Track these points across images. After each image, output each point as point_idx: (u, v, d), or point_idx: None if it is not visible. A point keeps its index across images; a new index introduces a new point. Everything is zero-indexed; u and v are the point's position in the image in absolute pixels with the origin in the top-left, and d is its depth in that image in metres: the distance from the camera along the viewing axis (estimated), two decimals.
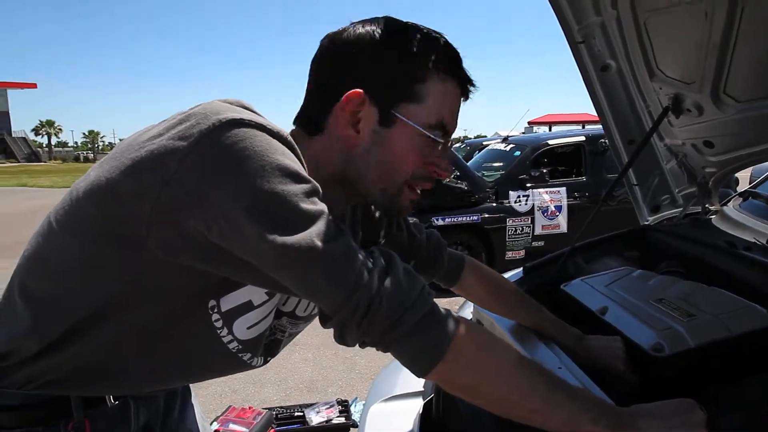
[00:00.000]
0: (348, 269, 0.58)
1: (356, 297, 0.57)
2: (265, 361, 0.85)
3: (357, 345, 0.61)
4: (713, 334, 0.93)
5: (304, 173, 0.60)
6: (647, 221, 1.71)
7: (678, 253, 1.38)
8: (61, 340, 0.67)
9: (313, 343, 3.86)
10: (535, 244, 5.03)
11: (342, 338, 0.61)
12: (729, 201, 1.68)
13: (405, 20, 0.73)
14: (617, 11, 1.25)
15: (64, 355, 0.68)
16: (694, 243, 1.38)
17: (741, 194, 1.68)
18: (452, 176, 4.99)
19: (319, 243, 0.56)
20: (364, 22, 0.72)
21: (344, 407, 2.84)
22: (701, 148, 1.45)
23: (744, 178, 2.75)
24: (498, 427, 0.88)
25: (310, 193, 0.59)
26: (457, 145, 11.95)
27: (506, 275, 1.45)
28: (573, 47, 1.38)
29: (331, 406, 2.85)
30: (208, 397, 3.02)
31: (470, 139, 18.94)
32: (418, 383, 1.44)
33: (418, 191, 0.75)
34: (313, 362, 3.59)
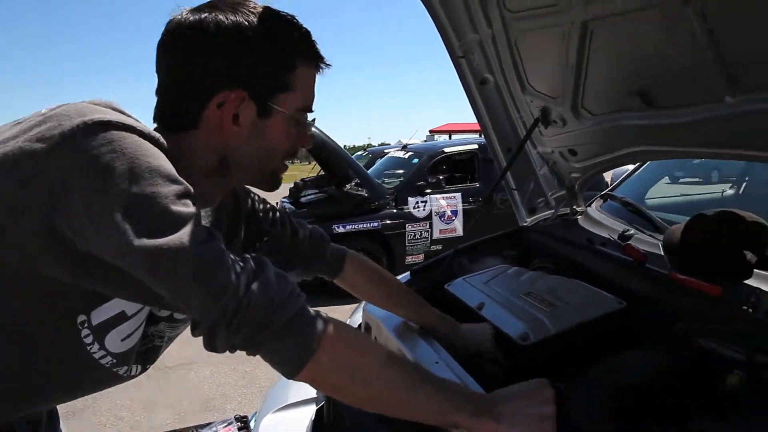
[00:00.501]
0: (218, 272, 0.57)
1: (225, 299, 0.56)
2: (144, 369, 0.82)
3: (227, 350, 0.60)
4: (570, 320, 1.03)
5: (176, 175, 0.59)
6: (525, 222, 1.86)
7: (548, 250, 1.52)
8: None
9: (211, 360, 3.67)
10: (433, 248, 5.23)
11: (211, 343, 0.59)
12: (592, 203, 1.88)
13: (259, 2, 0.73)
14: (492, 30, 1.36)
15: None
16: (561, 241, 1.52)
17: (601, 196, 1.88)
18: (353, 184, 5.05)
19: (188, 245, 0.55)
20: (214, 8, 0.69)
21: (244, 423, 2.73)
22: (567, 156, 1.61)
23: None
24: (380, 428, 0.91)
25: (182, 195, 0.58)
26: (359, 153, 12.13)
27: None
28: (455, 61, 1.47)
29: (229, 424, 2.72)
30: (91, 429, 2.76)
31: (373, 147, 19.25)
32: (311, 390, 1.44)
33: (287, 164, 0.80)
34: (211, 380, 3.42)
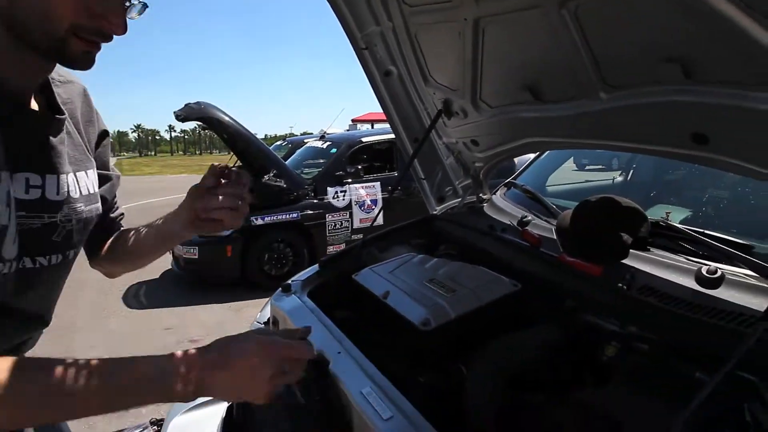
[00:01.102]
0: None
1: None
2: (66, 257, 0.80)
3: None
4: (469, 304, 1.09)
5: None
6: (435, 211, 1.92)
7: (453, 238, 1.59)
8: None
9: None
10: (354, 237, 5.26)
11: None
12: (497, 190, 1.98)
13: None
14: (392, 23, 1.38)
15: None
16: (465, 228, 1.59)
17: (505, 184, 1.99)
18: (271, 175, 4.95)
19: None
20: None
21: (159, 427, 2.62)
22: (470, 146, 1.68)
23: None
24: (287, 421, 0.92)
25: None
26: (279, 143, 11.87)
27: (304, 271, 1.50)
28: (358, 53, 1.48)
29: (145, 429, 2.61)
30: None
31: (295, 136, 18.92)
32: None
33: (96, 44, 0.69)
34: None
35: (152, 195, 15.34)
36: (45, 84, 0.79)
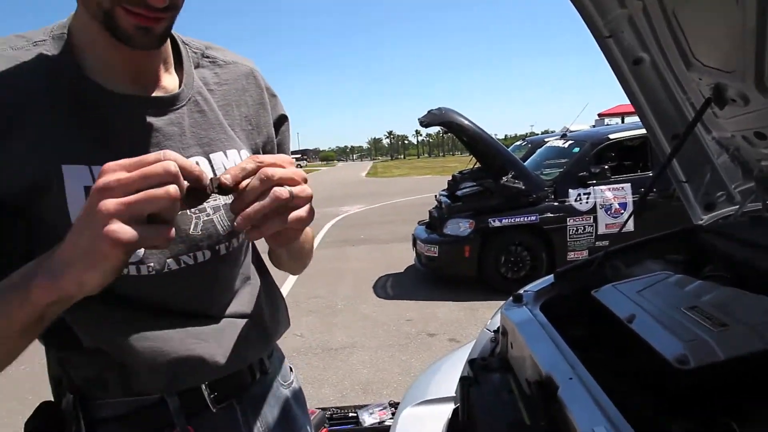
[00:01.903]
0: None
1: None
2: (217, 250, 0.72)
3: None
4: (746, 346, 0.86)
5: None
6: (701, 221, 1.60)
7: (726, 255, 1.29)
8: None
9: (371, 346, 3.92)
10: (599, 243, 4.81)
11: None
12: None
13: None
14: (643, 2, 1.19)
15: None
16: (745, 244, 1.28)
17: None
18: (509, 176, 4.89)
19: None
20: None
21: (395, 408, 2.87)
22: (753, 140, 1.34)
23: None
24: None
25: None
26: (518, 143, 11.65)
27: (538, 281, 1.41)
28: (600, 42, 1.32)
29: (384, 408, 2.89)
30: None
31: (535, 135, 18.36)
32: (450, 388, 1.44)
33: (146, 18, 0.58)
34: (370, 364, 3.64)
35: (403, 195, 16.86)
36: (178, 66, 0.73)
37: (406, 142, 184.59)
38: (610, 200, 4.77)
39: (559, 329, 1.12)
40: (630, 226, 4.77)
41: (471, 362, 1.24)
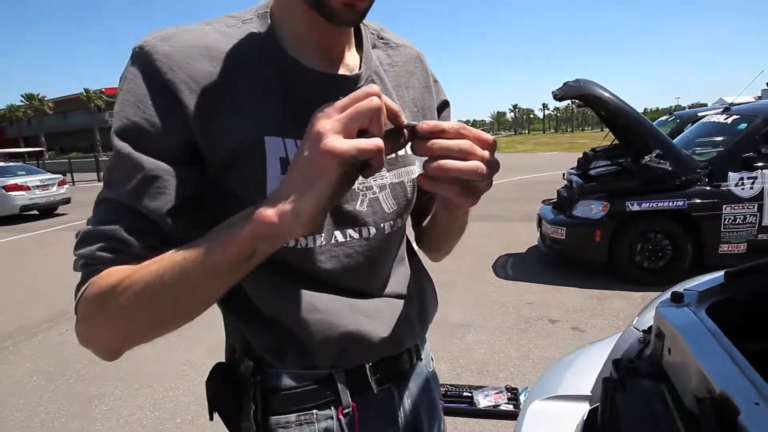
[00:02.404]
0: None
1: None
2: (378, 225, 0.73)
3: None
4: None
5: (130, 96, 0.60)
6: None
7: None
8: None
9: (488, 326, 3.84)
10: (762, 236, 4.16)
11: None
12: None
13: None
14: None
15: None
16: None
17: None
18: (653, 155, 4.40)
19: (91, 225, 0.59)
20: None
21: (513, 395, 2.78)
22: None
23: None
24: None
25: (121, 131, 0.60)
26: (664, 117, 10.42)
27: (701, 279, 1.23)
28: None
29: (500, 392, 2.82)
30: None
31: (682, 109, 16.33)
32: (585, 386, 1.33)
33: None
34: (487, 345, 3.57)
35: (526, 171, 16.19)
36: (358, 46, 0.74)
37: (531, 116, 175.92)
38: None
39: (732, 340, 0.96)
40: None
41: (615, 362, 1.12)
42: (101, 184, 0.62)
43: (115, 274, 0.55)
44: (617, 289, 4.46)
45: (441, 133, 0.53)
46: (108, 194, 0.59)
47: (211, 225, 0.55)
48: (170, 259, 0.53)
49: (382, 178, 0.73)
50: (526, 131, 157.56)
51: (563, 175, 5.73)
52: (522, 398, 2.75)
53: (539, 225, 5.38)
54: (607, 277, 4.69)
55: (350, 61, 0.71)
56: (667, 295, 1.21)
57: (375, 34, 0.78)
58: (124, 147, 0.58)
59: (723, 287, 1.15)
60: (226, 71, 0.62)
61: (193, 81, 0.60)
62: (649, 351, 1.15)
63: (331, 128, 0.47)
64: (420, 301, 0.83)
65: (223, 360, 0.77)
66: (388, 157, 0.63)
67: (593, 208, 4.57)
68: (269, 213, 0.48)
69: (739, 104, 5.56)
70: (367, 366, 0.74)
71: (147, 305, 0.54)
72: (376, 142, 0.48)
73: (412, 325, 0.79)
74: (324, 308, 0.69)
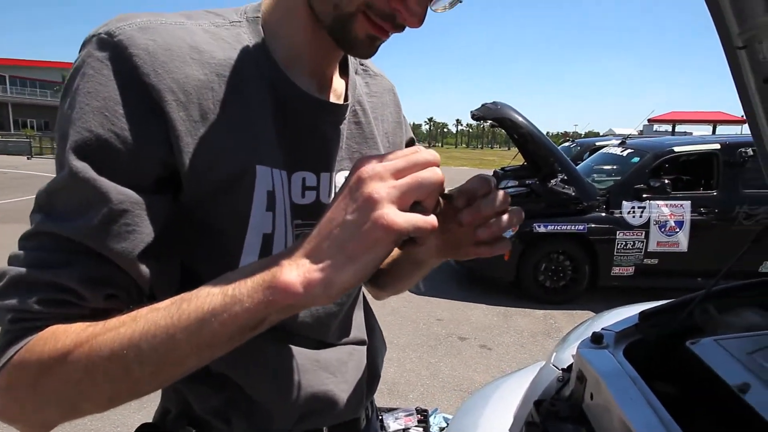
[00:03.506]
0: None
1: None
2: None
3: None
4: None
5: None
6: None
7: None
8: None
9: (399, 343, 3.81)
10: (647, 261, 4.54)
11: None
12: None
13: None
14: None
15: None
16: None
17: None
18: (558, 181, 4.66)
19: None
20: None
21: (423, 417, 2.76)
22: None
23: None
24: None
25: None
26: (567, 144, 11.25)
27: (614, 313, 1.25)
28: (729, 53, 1.13)
29: (410, 414, 2.78)
30: None
31: (579, 136, 17.79)
32: (503, 426, 1.31)
33: (383, 30, 0.54)
34: (398, 363, 3.54)
35: None
36: (342, 71, 0.70)
37: (445, 130, 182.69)
38: (666, 217, 4.48)
39: (647, 382, 0.97)
40: (683, 247, 4.51)
41: (537, 404, 1.10)
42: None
43: (63, 336, 0.42)
44: (521, 307, 4.65)
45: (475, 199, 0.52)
46: (51, 227, 0.44)
47: (173, 268, 0.45)
48: (149, 321, 0.41)
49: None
50: (440, 144, 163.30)
51: None
52: (432, 420, 2.73)
53: None
54: (512, 294, 4.88)
55: (338, 86, 0.67)
56: (586, 333, 1.22)
57: (357, 60, 0.73)
58: (83, 169, 0.44)
59: (637, 328, 1.18)
60: (220, 83, 0.52)
61: (182, 91, 0.49)
62: (569, 392, 1.14)
63: (387, 196, 0.39)
64: (376, 343, 0.78)
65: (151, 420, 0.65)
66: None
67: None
68: (293, 281, 0.39)
69: (632, 139, 6.09)
70: (325, 429, 0.67)
71: (113, 379, 0.41)
72: (432, 221, 0.41)
73: (373, 375, 0.74)
74: (287, 364, 0.61)
